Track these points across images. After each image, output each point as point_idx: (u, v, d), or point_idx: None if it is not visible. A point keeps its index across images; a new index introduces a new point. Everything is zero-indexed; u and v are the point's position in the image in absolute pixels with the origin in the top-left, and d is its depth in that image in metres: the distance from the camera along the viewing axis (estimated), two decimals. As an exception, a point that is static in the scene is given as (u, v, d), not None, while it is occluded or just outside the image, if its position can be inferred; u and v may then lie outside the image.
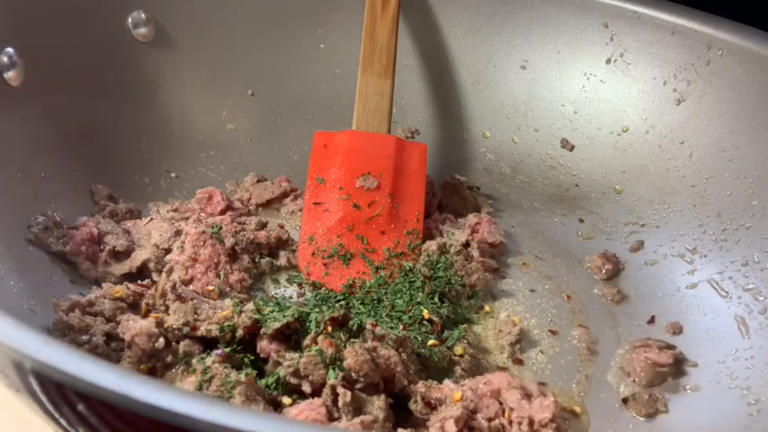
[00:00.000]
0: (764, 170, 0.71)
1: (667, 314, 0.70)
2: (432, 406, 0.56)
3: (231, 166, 0.83)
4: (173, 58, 0.82)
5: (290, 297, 0.68)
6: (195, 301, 0.61)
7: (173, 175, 0.80)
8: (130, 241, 0.69)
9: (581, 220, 0.81)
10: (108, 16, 0.77)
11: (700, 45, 0.77)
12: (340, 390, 0.53)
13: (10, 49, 0.67)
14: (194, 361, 0.57)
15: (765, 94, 0.73)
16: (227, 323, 0.59)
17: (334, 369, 0.54)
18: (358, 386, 0.55)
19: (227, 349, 0.57)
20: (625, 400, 0.62)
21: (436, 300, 0.67)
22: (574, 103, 0.84)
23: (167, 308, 0.62)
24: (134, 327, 0.58)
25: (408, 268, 0.70)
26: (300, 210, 0.77)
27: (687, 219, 0.75)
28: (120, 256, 0.68)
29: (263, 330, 0.58)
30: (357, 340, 0.58)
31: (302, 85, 0.87)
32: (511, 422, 0.55)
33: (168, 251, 0.68)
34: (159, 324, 0.59)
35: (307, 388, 0.55)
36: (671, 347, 0.65)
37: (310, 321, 0.59)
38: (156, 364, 0.58)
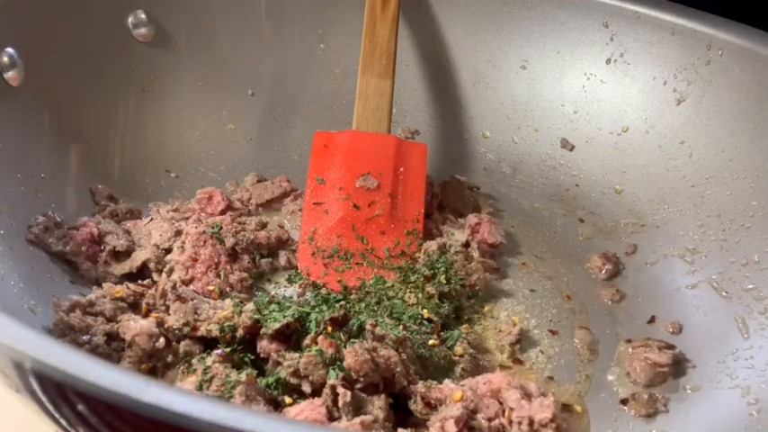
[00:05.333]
0: (764, 170, 0.71)
1: (667, 314, 0.70)
2: (432, 406, 0.56)
3: (231, 166, 0.82)
4: (173, 58, 0.82)
5: (290, 297, 0.68)
6: (195, 301, 0.61)
7: (173, 175, 0.80)
8: (130, 241, 0.69)
9: (581, 220, 0.81)
10: (108, 16, 0.77)
11: (700, 45, 0.77)
12: (340, 390, 0.53)
13: (10, 49, 0.67)
14: (194, 361, 0.58)
15: (765, 94, 0.73)
16: (227, 323, 0.59)
17: (334, 369, 0.54)
18: (358, 386, 0.55)
19: (228, 349, 0.57)
20: (625, 401, 0.62)
21: (436, 300, 0.67)
22: (574, 103, 0.84)
23: (168, 308, 0.62)
24: (134, 327, 0.58)
25: (408, 268, 0.70)
26: (300, 210, 0.77)
27: (687, 219, 0.75)
28: (120, 256, 0.68)
29: (263, 330, 0.58)
30: (357, 340, 0.58)
31: (302, 85, 0.87)
32: (511, 422, 0.55)
33: (168, 251, 0.68)
34: (160, 324, 0.59)
35: (307, 388, 0.55)
36: (671, 347, 0.65)
37: (310, 321, 0.59)
38: (156, 364, 0.58)
